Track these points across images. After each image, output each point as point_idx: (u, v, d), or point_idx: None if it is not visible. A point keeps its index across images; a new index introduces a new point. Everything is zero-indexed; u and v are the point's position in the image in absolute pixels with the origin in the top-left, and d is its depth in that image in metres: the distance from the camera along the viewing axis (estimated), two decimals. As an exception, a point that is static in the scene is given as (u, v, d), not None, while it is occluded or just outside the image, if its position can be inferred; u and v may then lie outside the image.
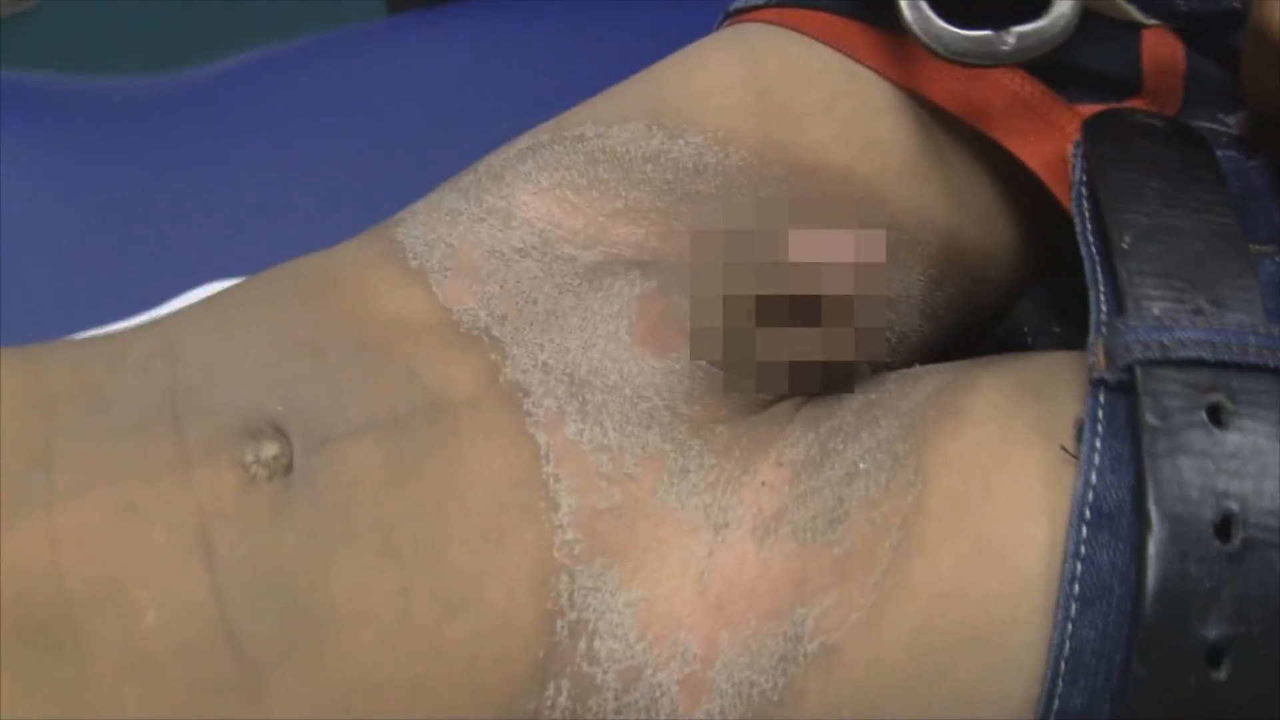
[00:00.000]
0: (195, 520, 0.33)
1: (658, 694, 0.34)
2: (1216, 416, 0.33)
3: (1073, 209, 0.38)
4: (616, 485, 0.35)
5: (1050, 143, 0.42)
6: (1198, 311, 0.35)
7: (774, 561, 0.35)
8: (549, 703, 0.34)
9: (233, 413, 0.35)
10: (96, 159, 0.64)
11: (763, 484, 0.36)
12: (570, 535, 0.35)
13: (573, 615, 0.34)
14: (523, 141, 0.43)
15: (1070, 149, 0.40)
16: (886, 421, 0.37)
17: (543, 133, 0.43)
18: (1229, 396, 0.33)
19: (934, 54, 0.39)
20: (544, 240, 0.40)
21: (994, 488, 0.34)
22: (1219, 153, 0.40)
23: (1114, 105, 0.42)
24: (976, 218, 0.45)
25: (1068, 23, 0.39)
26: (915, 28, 0.39)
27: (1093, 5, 0.42)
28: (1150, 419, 0.33)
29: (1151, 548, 0.32)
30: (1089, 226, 0.38)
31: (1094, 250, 0.37)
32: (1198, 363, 0.34)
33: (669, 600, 0.34)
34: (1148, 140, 0.39)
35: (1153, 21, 0.44)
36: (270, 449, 0.34)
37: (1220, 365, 0.34)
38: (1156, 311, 0.35)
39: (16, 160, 0.61)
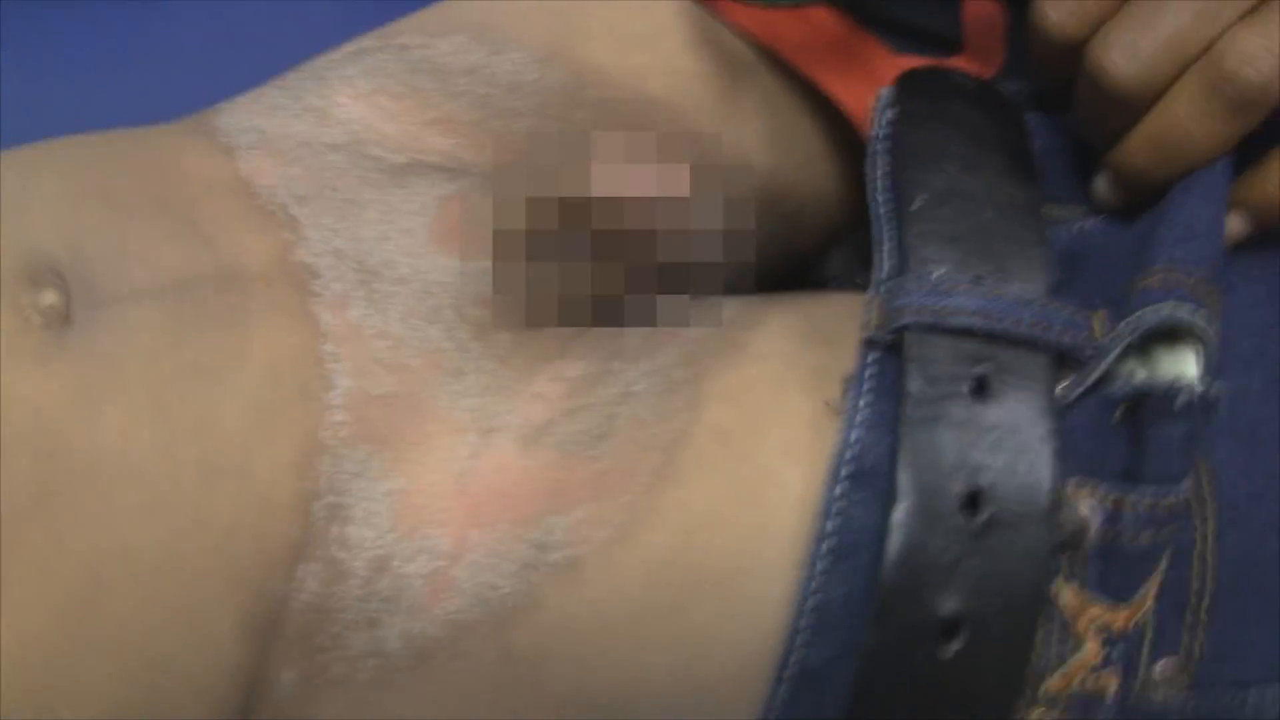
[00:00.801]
0: None
1: (403, 585, 0.33)
2: (982, 388, 0.32)
3: (866, 164, 0.37)
4: (393, 374, 0.35)
5: (869, 88, 0.41)
6: (978, 280, 0.34)
7: (534, 469, 0.34)
8: (298, 586, 0.33)
9: (15, 255, 0.33)
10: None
11: (536, 395, 0.36)
12: (340, 417, 0.34)
13: (331, 498, 0.33)
14: (350, 45, 0.42)
15: (872, 102, 0.39)
16: (670, 348, 0.37)
17: (369, 39, 0.42)
18: (997, 369, 0.33)
19: None
20: (356, 140, 0.39)
21: (763, 428, 0.34)
22: (1029, 115, 0.39)
23: (934, 62, 0.41)
24: (797, 162, 0.44)
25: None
26: None
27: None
28: (912, 386, 0.32)
29: (896, 516, 0.31)
30: (881, 184, 0.37)
31: (882, 208, 0.36)
32: (969, 332, 0.33)
33: (426, 495, 0.34)
34: (958, 102, 0.38)
35: None
36: (49, 297, 0.32)
37: (991, 336, 0.33)
38: (935, 276, 0.34)
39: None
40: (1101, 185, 0.38)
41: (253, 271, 0.35)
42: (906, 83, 0.39)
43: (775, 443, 0.34)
